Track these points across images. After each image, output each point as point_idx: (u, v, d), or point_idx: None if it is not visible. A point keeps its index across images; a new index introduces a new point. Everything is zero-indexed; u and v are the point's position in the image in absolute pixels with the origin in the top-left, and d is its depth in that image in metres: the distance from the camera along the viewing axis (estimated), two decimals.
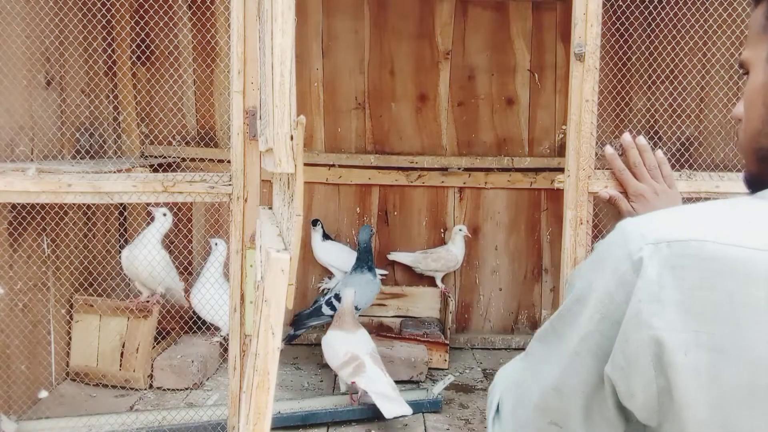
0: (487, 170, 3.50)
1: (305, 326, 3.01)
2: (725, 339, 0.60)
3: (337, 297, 2.92)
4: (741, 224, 0.64)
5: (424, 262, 3.38)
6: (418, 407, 2.65)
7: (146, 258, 2.71)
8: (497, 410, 0.79)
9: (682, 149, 2.65)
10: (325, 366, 3.05)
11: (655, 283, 0.62)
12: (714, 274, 0.61)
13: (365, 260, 3.00)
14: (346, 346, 2.56)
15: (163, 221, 2.83)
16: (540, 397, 0.72)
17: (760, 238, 0.61)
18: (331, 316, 2.92)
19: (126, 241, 3.19)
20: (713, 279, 0.60)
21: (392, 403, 2.43)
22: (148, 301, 2.84)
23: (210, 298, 2.77)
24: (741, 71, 0.77)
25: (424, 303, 3.46)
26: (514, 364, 0.82)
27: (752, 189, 0.74)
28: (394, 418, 2.46)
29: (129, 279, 2.90)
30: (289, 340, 3.02)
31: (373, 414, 2.56)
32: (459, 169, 3.50)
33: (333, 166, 3.48)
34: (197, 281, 2.94)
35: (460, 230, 3.38)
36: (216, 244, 2.92)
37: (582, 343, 0.67)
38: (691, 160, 2.54)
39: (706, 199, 1.86)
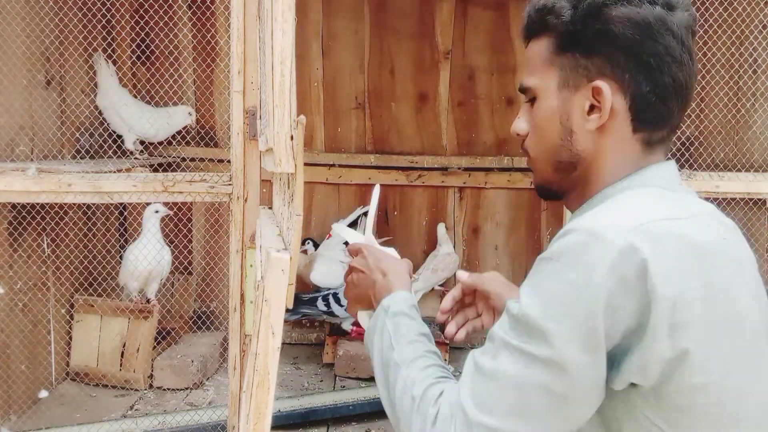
0: (487, 170, 3.50)
1: (299, 312, 2.97)
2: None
3: (335, 296, 2.93)
4: (660, 206, 0.81)
5: (434, 277, 3.33)
6: None
7: (155, 258, 2.75)
8: None
9: (682, 149, 2.65)
10: (325, 365, 3.06)
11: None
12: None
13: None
14: None
15: (153, 216, 2.82)
16: None
17: (674, 211, 0.80)
18: (323, 312, 2.93)
19: (126, 242, 3.19)
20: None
21: None
22: (149, 301, 2.83)
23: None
24: (525, 97, 0.91)
25: (423, 303, 3.46)
26: None
27: (544, 197, 0.95)
28: None
29: (126, 282, 2.87)
30: None
31: (371, 409, 2.58)
32: (459, 169, 3.50)
33: (333, 165, 3.48)
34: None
35: (443, 226, 3.40)
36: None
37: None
38: (691, 160, 2.54)
39: (707, 198, 1.86)
